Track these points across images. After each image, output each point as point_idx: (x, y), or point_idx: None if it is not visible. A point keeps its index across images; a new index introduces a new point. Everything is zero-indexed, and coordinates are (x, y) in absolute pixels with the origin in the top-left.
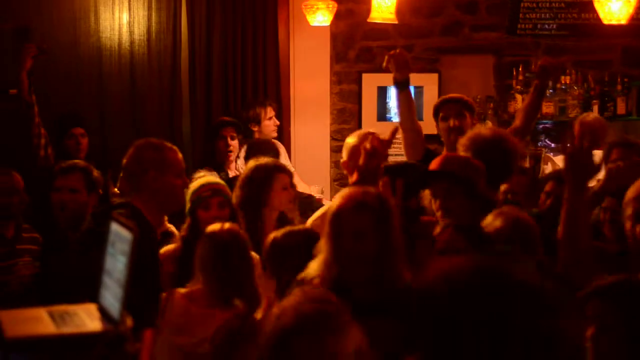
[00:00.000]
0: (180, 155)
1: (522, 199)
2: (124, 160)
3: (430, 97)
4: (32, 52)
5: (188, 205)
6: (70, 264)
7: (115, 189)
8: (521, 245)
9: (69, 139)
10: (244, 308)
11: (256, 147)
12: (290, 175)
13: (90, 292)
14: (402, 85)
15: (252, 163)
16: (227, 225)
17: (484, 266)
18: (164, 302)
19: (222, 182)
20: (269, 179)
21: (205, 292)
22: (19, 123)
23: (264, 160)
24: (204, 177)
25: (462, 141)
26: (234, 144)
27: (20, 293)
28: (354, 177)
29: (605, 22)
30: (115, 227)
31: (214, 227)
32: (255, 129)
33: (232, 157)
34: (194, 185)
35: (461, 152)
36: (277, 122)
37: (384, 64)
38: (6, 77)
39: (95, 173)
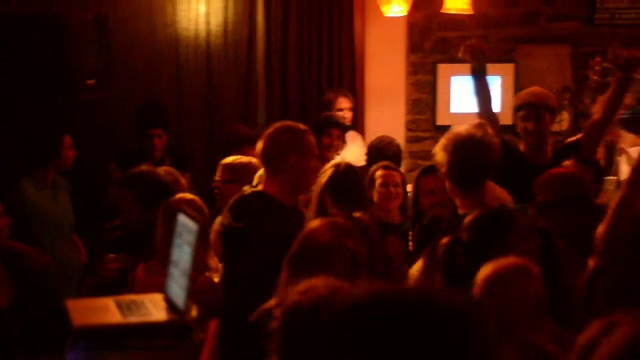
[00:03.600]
0: (313, 137)
1: None
2: (260, 144)
3: (507, 88)
4: None
5: None
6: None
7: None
8: None
9: (146, 138)
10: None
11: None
12: None
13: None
14: (479, 74)
15: None
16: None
17: (384, 292)
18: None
19: None
20: None
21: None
22: (97, 113)
23: None
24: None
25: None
26: (338, 144)
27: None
28: None
29: None
30: (182, 218)
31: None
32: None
33: (332, 156)
34: None
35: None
36: (346, 116)
37: (460, 54)
38: (85, 66)
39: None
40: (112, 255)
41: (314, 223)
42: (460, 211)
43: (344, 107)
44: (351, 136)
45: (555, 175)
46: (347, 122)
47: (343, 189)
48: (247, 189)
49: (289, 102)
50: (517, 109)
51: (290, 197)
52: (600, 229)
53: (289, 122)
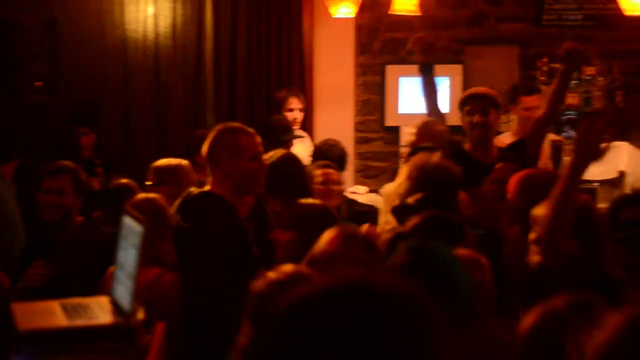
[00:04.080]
0: (257, 138)
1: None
2: (204, 146)
3: (455, 89)
4: None
5: None
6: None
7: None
8: None
9: (74, 136)
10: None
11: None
12: None
13: None
14: (426, 70)
15: None
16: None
17: (342, 283)
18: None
19: None
20: None
21: None
22: (45, 115)
23: None
24: None
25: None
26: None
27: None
28: None
29: (627, 13)
30: (128, 220)
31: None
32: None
33: None
34: None
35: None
36: (297, 116)
37: (409, 45)
38: (33, 69)
39: (83, 176)
40: (39, 262)
41: (329, 232)
42: None
43: (294, 108)
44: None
45: (532, 178)
46: (298, 122)
47: (278, 178)
48: (193, 189)
49: (238, 103)
50: (462, 104)
51: (236, 198)
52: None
53: (231, 124)
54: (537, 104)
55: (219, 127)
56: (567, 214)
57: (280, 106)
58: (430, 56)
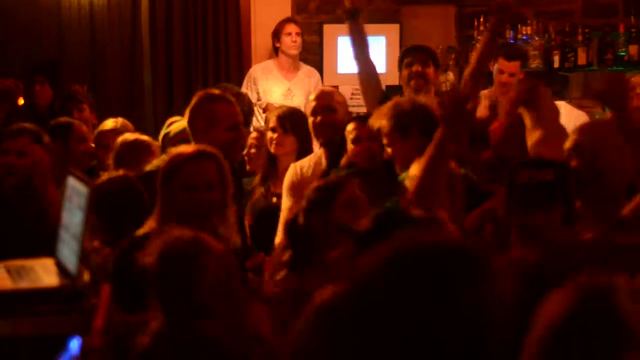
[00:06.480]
0: (236, 108)
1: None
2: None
3: (392, 48)
4: None
5: None
6: None
7: None
8: None
9: None
10: None
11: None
12: None
13: None
14: (352, 15)
15: None
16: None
17: (403, 246)
18: None
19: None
20: None
21: None
22: None
23: None
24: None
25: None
26: None
27: None
28: None
29: None
30: (72, 181)
31: None
32: (278, 45)
33: None
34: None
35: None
36: (295, 40)
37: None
38: None
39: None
40: None
41: None
42: None
43: (291, 32)
44: (308, 71)
45: None
46: (297, 47)
47: None
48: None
49: (175, 63)
50: (402, 56)
51: None
52: None
53: (211, 90)
54: (514, 70)
55: (199, 93)
56: (435, 182)
57: (278, 35)
58: (359, 2)
